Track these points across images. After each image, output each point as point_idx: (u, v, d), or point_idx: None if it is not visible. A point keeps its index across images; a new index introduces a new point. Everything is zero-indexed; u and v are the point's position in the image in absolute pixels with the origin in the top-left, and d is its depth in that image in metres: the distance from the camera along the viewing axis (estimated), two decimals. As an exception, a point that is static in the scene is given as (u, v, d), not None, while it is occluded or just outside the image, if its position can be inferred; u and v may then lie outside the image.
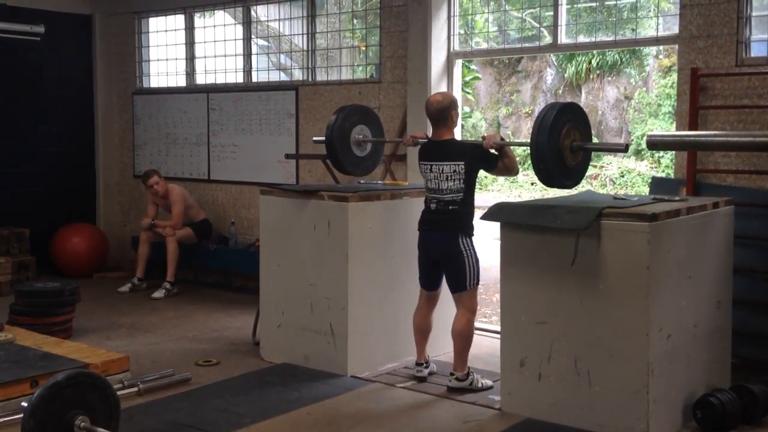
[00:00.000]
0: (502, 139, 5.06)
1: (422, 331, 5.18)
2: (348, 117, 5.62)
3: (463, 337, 4.94)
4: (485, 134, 5.01)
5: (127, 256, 9.10)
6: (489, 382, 4.98)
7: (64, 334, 6.08)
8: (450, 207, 4.90)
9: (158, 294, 7.79)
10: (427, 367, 5.19)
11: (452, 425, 4.47)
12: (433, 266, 5.04)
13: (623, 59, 20.09)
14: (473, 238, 4.96)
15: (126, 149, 9.34)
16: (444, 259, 4.95)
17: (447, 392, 4.91)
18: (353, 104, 6.03)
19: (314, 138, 6.25)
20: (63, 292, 6.22)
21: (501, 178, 20.30)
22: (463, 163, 4.87)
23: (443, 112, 4.96)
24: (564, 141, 4.52)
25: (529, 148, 4.59)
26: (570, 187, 4.76)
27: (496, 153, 4.94)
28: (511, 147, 5.08)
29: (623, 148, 5.07)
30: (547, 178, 4.58)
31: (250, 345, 6.06)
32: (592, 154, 5.08)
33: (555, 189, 4.91)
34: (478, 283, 4.99)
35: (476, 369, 5.47)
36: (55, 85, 9.03)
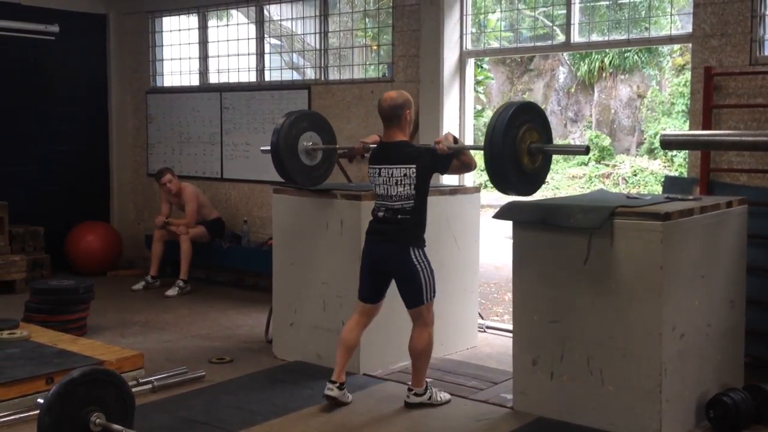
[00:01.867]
0: (456, 141, 4.67)
1: (348, 347, 4.72)
2: (295, 123, 5.22)
3: (424, 353, 4.65)
4: (438, 138, 4.62)
5: (140, 254, 9.14)
6: (446, 396, 4.76)
7: (79, 331, 6.12)
8: (399, 216, 4.54)
9: (172, 292, 7.83)
10: (340, 389, 4.65)
11: (464, 424, 4.47)
12: (377, 277, 4.66)
13: (642, 59, 20.01)
14: (425, 248, 4.61)
15: (139, 148, 9.39)
16: (396, 273, 4.61)
17: (404, 408, 4.66)
18: (301, 110, 5.50)
19: (261, 148, 5.71)
20: (77, 290, 6.26)
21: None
22: (414, 166, 4.50)
23: (396, 110, 4.57)
24: (521, 143, 4.24)
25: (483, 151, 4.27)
26: (528, 194, 4.47)
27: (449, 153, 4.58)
28: (465, 151, 4.68)
29: (584, 150, 4.62)
30: (502, 183, 4.31)
31: (263, 343, 6.08)
32: (553, 157, 4.71)
33: (511, 196, 4.53)
34: (434, 296, 4.65)
35: (488, 368, 5.49)
36: (70, 85, 9.08)
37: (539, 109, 4.50)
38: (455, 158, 4.58)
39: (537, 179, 4.46)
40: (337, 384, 4.66)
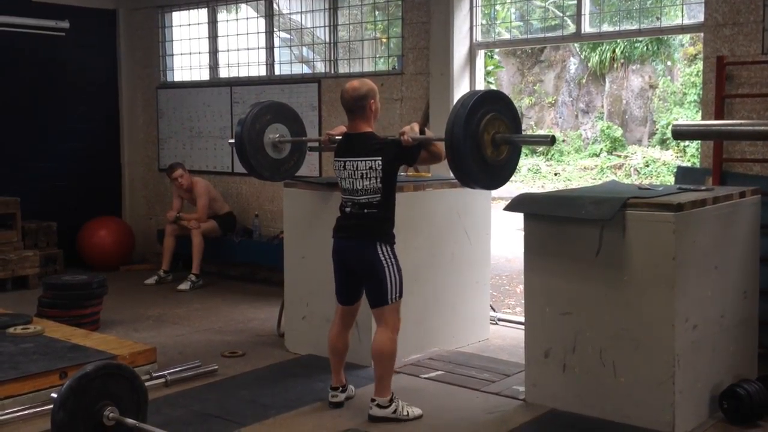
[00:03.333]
0: (423, 132, 4.46)
1: (338, 352, 4.57)
2: (258, 117, 4.98)
3: (384, 357, 4.33)
4: (403, 129, 4.38)
5: (152, 249, 9.18)
6: (417, 411, 4.40)
7: (92, 326, 6.15)
8: (366, 210, 4.34)
9: (184, 286, 7.85)
10: (343, 391, 4.59)
11: (477, 416, 4.47)
12: (349, 278, 4.47)
13: (651, 50, 19.91)
14: (394, 245, 4.40)
15: (150, 143, 9.41)
16: (361, 270, 4.39)
17: (367, 422, 4.35)
18: (264, 102, 5.24)
19: (229, 141, 5.54)
20: (90, 285, 6.29)
21: (524, 168, 20.21)
22: (380, 158, 4.29)
23: (359, 101, 4.35)
24: (484, 133, 4.02)
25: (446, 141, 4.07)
26: (494, 187, 4.31)
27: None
28: (433, 141, 4.43)
29: (549, 141, 4.31)
30: (464, 175, 4.12)
31: (275, 337, 6.09)
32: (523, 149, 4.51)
33: (478, 189, 4.40)
34: (400, 296, 4.37)
35: (500, 360, 5.48)
36: (80, 81, 9.11)
37: (506, 98, 4.30)
38: (423, 149, 4.37)
39: (503, 172, 4.23)
40: (340, 389, 4.58)
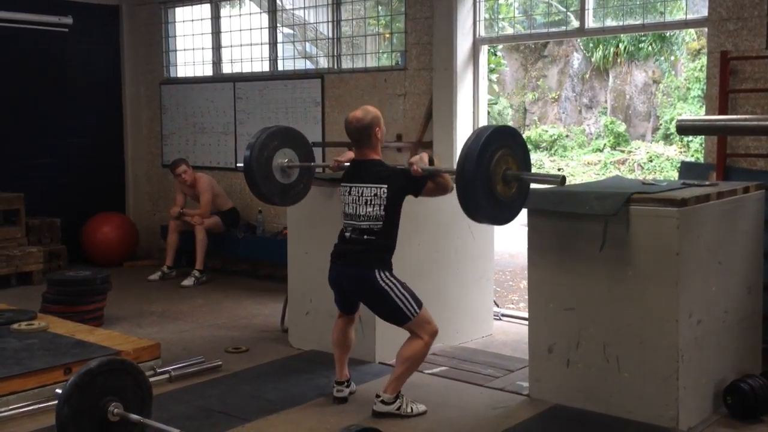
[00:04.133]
0: (431, 162, 4.39)
1: (343, 346, 4.61)
2: (266, 145, 4.92)
3: (409, 360, 4.33)
4: (412, 159, 4.36)
5: (156, 244, 9.18)
6: (421, 408, 4.41)
7: (96, 322, 6.16)
8: (365, 237, 4.32)
9: (187, 282, 7.86)
10: (347, 386, 4.61)
11: (481, 411, 4.47)
12: (348, 297, 4.52)
13: (654, 49, 19.87)
14: (391, 271, 4.36)
15: (154, 139, 9.42)
16: (366, 302, 4.44)
17: (371, 418, 4.34)
18: (272, 127, 5.22)
19: (237, 164, 5.43)
20: (94, 281, 6.30)
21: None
22: (385, 186, 4.29)
23: (364, 131, 4.35)
24: (495, 169, 3.99)
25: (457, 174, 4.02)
26: (501, 223, 4.25)
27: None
28: (441, 174, 4.44)
29: (560, 181, 4.13)
30: (475, 210, 4.08)
31: (279, 332, 6.10)
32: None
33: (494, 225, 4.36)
34: (420, 306, 4.33)
35: (504, 356, 5.48)
36: (84, 76, 9.11)
37: (518, 134, 4.25)
38: (431, 180, 4.37)
39: (512, 208, 4.19)
40: (344, 383, 4.60)
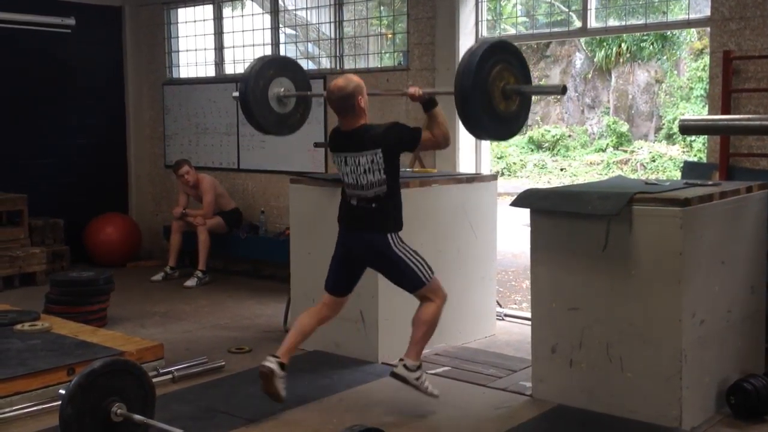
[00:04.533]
0: (431, 103, 4.30)
1: (302, 333, 4.50)
2: (261, 74, 4.80)
3: (426, 323, 4.35)
4: (409, 91, 4.31)
5: (159, 245, 9.19)
6: (435, 392, 4.44)
7: (99, 322, 6.16)
8: (374, 205, 4.30)
9: (190, 283, 7.87)
10: (281, 366, 4.38)
11: (484, 412, 4.47)
12: (350, 268, 4.47)
13: (655, 48, 19.86)
14: (400, 233, 4.37)
15: (157, 140, 9.43)
16: (380, 268, 4.46)
17: (389, 375, 4.44)
18: (267, 56, 5.11)
19: (233, 94, 5.31)
20: (97, 282, 6.30)
21: (530, 164, 20.18)
22: (380, 150, 4.22)
23: (348, 100, 4.27)
24: (494, 84, 3.90)
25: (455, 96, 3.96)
26: (503, 138, 4.23)
27: (416, 127, 4.31)
28: (440, 114, 4.29)
29: (560, 90, 4.13)
30: (475, 127, 4.03)
31: (282, 332, 6.09)
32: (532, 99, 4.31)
33: (491, 140, 4.34)
34: (433, 272, 4.37)
35: (507, 356, 5.48)
36: (86, 77, 9.12)
37: (515, 48, 4.15)
38: (429, 124, 4.23)
39: (513, 123, 4.11)
40: (278, 360, 4.37)
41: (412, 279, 4.35)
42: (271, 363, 4.34)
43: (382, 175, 4.27)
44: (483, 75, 3.87)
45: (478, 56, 3.87)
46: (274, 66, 4.94)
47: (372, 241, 4.33)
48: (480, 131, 4.11)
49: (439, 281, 4.44)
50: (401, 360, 4.42)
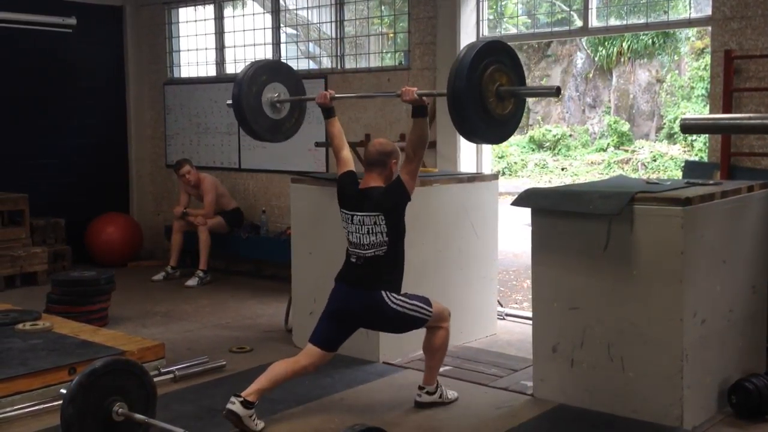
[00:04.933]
0: (423, 109, 4.23)
1: (275, 381, 4.25)
2: (254, 80, 4.74)
3: (440, 350, 4.46)
4: (402, 91, 4.26)
5: (160, 245, 9.20)
6: (455, 394, 4.58)
7: (100, 322, 6.17)
8: (372, 263, 4.24)
9: (191, 282, 7.87)
10: (246, 406, 4.11)
11: (485, 411, 4.47)
12: (341, 324, 4.33)
13: (656, 43, 19.85)
14: (398, 292, 4.30)
15: (158, 139, 9.43)
16: (380, 325, 4.44)
17: (414, 408, 4.49)
18: (260, 61, 5.03)
19: (227, 102, 5.18)
20: (99, 281, 6.31)
21: (531, 163, 20.18)
22: (382, 215, 4.20)
23: (384, 156, 4.27)
24: (487, 86, 3.85)
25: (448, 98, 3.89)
26: (497, 141, 4.20)
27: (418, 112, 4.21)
28: (425, 128, 4.23)
29: (554, 92, 4.06)
30: (467, 130, 3.97)
31: (283, 332, 6.10)
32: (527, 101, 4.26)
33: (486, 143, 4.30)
34: (430, 306, 4.35)
35: (508, 356, 5.48)
36: (87, 77, 9.13)
37: (510, 49, 4.11)
38: (414, 127, 4.15)
39: (507, 126, 4.07)
40: (242, 399, 4.11)
41: (416, 324, 4.37)
42: (233, 405, 4.10)
43: (384, 238, 4.23)
44: (476, 77, 3.82)
45: (470, 58, 3.82)
46: (266, 71, 4.89)
47: (369, 299, 4.24)
48: (473, 135, 4.07)
49: (438, 303, 4.41)
50: (421, 388, 4.53)
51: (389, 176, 4.30)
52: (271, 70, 4.93)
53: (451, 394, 4.60)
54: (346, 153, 4.53)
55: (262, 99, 4.82)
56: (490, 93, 3.90)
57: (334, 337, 4.35)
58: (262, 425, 4.17)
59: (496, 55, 3.97)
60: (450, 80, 3.87)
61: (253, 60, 4.96)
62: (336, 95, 4.69)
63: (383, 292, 4.23)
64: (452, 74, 3.87)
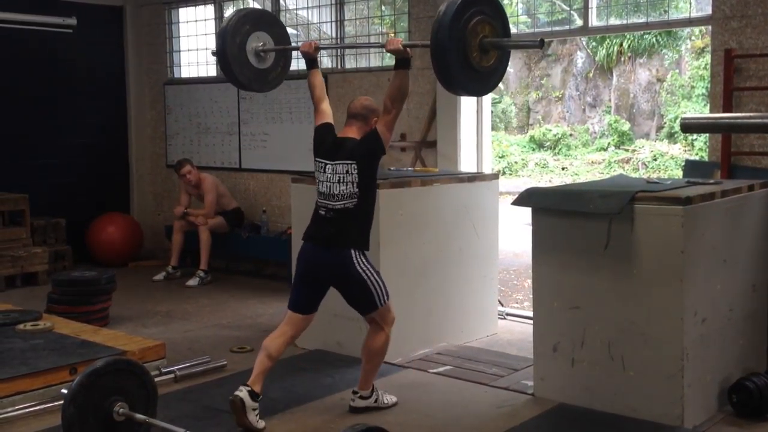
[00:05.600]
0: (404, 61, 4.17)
1: (270, 356, 4.28)
2: (238, 30, 4.68)
3: (378, 355, 4.37)
4: (388, 41, 4.23)
5: (160, 245, 9.20)
6: (393, 399, 4.51)
7: (101, 322, 6.17)
8: (341, 216, 4.20)
9: (192, 282, 7.87)
10: (252, 396, 4.16)
11: (486, 410, 4.47)
12: (312, 286, 4.30)
13: (660, 41, 19.85)
14: (366, 252, 4.27)
15: (158, 139, 9.43)
16: (339, 286, 4.30)
17: (348, 412, 4.41)
18: (243, 10, 5.00)
19: (212, 51, 5.09)
20: (99, 281, 6.31)
21: (531, 163, 20.18)
22: (354, 163, 4.17)
23: (366, 110, 4.27)
24: (470, 37, 3.79)
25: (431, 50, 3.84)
26: (480, 94, 4.17)
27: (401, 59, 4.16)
28: (405, 79, 4.17)
29: (537, 44, 3.97)
30: (450, 83, 3.94)
31: (284, 332, 6.10)
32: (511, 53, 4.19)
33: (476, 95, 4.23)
34: (388, 297, 4.31)
35: (509, 355, 5.48)
36: (88, 77, 9.13)
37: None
38: (391, 90, 4.12)
39: (490, 78, 4.03)
40: (249, 389, 4.18)
41: (367, 301, 4.27)
42: (241, 392, 4.15)
43: (354, 189, 4.18)
44: (459, 28, 3.77)
45: (454, 8, 3.76)
46: (250, 20, 4.83)
47: (335, 259, 4.20)
48: (456, 87, 4.04)
49: (391, 305, 4.36)
50: (355, 392, 4.44)
51: (368, 129, 4.26)
52: (254, 19, 4.88)
53: (389, 398, 4.51)
54: (326, 105, 4.50)
55: (247, 48, 4.78)
56: (473, 45, 3.85)
57: (310, 299, 4.34)
58: (263, 425, 4.18)
59: (481, 5, 3.90)
60: (433, 30, 3.82)
61: (236, 10, 4.89)
62: (321, 46, 4.65)
63: (352, 251, 4.18)
64: (436, 24, 3.83)
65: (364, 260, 4.24)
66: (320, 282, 4.30)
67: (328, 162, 4.27)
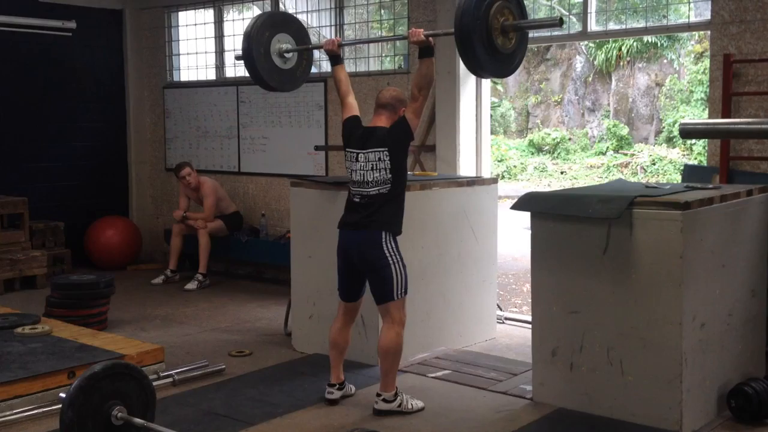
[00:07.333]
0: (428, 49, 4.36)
1: (339, 347, 4.60)
2: (262, 32, 4.89)
3: (391, 353, 4.39)
4: (410, 32, 4.40)
5: (159, 248, 9.20)
6: (419, 404, 4.49)
7: (100, 325, 6.17)
8: (375, 202, 4.37)
9: (191, 286, 7.87)
10: (340, 389, 4.61)
11: (485, 415, 4.47)
12: (353, 274, 4.49)
13: (661, 43, 19.89)
14: (397, 240, 4.41)
15: (157, 143, 9.43)
16: (364, 265, 4.40)
17: (373, 416, 4.43)
18: (264, 14, 5.22)
19: (236, 55, 5.38)
20: (98, 285, 6.31)
21: (530, 167, 20.20)
22: (386, 149, 4.35)
23: (395, 100, 4.46)
24: (493, 21, 4.05)
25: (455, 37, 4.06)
26: (503, 75, 4.40)
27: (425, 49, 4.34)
28: (431, 67, 4.36)
29: (557, 22, 4.17)
30: (475, 65, 4.17)
31: (282, 336, 6.10)
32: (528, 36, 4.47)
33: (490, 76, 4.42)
34: (406, 293, 4.41)
35: (508, 359, 5.48)
36: (87, 81, 9.13)
37: None
38: (420, 67, 4.32)
39: (512, 60, 4.26)
40: (337, 386, 4.60)
41: (386, 289, 4.37)
42: (333, 394, 4.57)
43: (387, 175, 4.36)
44: (483, 12, 4.00)
45: None
46: (271, 24, 5.03)
47: (365, 238, 4.35)
48: (480, 69, 4.23)
49: (405, 304, 4.45)
50: (378, 395, 4.46)
51: (394, 119, 4.44)
52: (274, 23, 5.07)
53: (415, 403, 4.49)
54: (352, 99, 4.71)
55: (271, 50, 4.99)
56: (495, 27, 4.08)
57: (353, 287, 4.55)
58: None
59: None
60: (457, 15, 4.03)
61: (258, 14, 5.19)
62: (343, 42, 4.82)
63: (383, 233, 4.34)
64: (460, 9, 4.03)
65: (393, 245, 4.38)
66: (356, 267, 4.45)
67: (360, 151, 4.42)
